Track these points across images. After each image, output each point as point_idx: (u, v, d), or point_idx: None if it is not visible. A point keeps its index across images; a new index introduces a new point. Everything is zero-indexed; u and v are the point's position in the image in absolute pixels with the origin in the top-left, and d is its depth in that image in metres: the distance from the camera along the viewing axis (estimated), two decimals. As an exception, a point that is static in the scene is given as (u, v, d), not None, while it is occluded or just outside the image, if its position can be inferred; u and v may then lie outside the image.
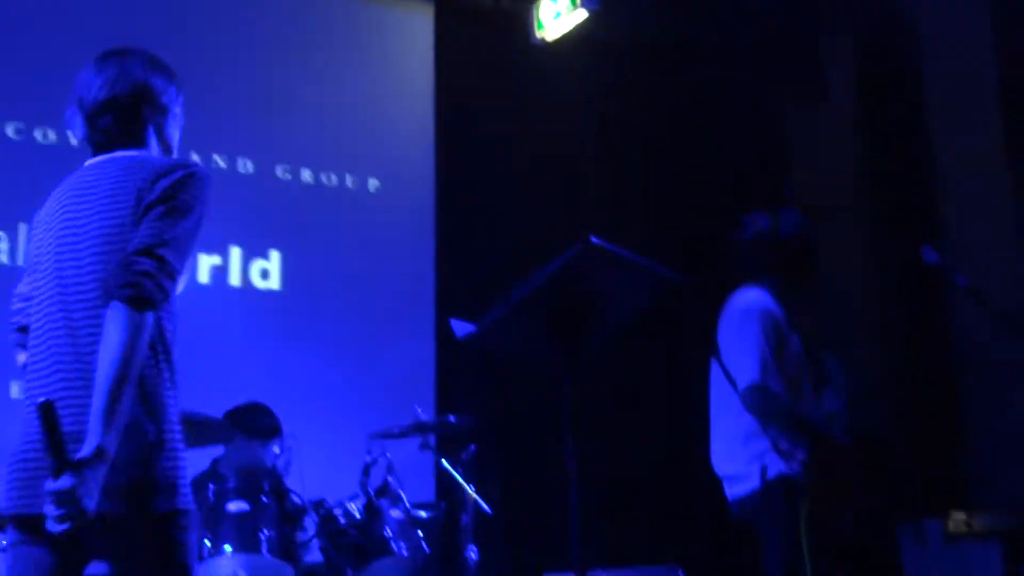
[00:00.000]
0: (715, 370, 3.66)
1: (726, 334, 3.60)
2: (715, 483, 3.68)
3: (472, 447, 4.85)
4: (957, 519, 4.98)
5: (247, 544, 3.97)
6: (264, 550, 3.97)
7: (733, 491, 3.54)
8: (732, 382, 3.52)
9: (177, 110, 2.60)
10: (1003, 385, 5.83)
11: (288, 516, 4.18)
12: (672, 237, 6.45)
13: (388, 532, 4.29)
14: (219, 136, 5.69)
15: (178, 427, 2.30)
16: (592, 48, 6.51)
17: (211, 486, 4.08)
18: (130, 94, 2.47)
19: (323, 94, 5.98)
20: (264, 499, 4.07)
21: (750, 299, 3.61)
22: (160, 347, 2.30)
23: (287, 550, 4.12)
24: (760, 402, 3.42)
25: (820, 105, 6.98)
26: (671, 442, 6.22)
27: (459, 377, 6.10)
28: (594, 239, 2.66)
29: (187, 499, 2.27)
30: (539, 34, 6.26)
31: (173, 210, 2.30)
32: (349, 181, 6.06)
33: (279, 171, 5.90)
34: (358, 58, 6.14)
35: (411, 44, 6.34)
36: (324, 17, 6.11)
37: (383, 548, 4.22)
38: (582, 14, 6.08)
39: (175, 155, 2.58)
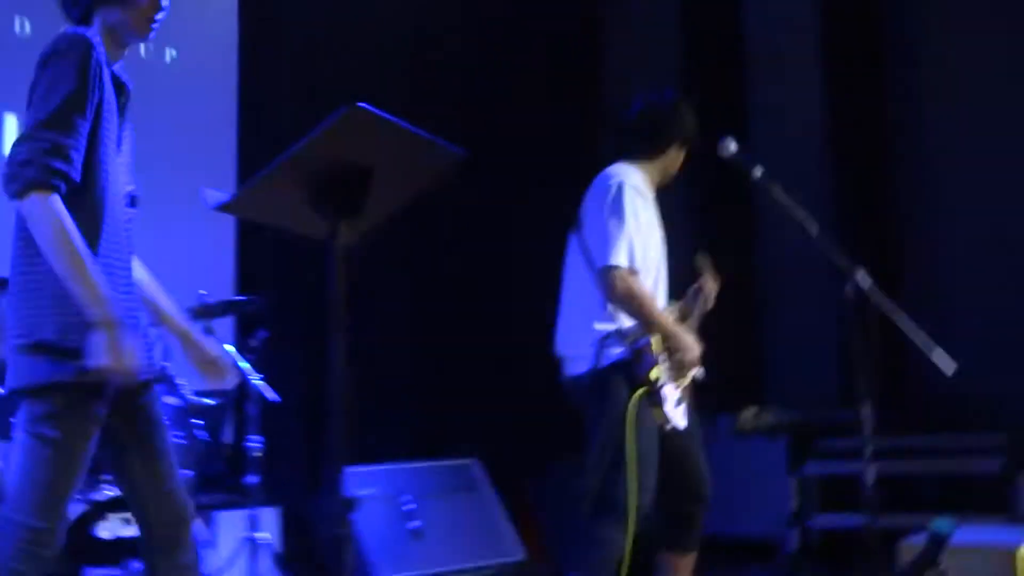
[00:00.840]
0: (573, 246, 3.53)
1: (591, 208, 3.46)
2: (520, 374, 3.63)
3: (262, 332, 4.64)
4: (746, 415, 5.08)
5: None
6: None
7: (568, 370, 3.48)
8: (589, 260, 3.40)
9: None
10: (797, 288, 5.97)
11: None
12: (482, 110, 6.29)
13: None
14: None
15: None
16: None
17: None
18: None
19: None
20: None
21: (619, 172, 3.49)
22: None
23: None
24: (616, 284, 3.31)
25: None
26: (469, 331, 6.13)
27: (261, 261, 5.84)
28: (362, 104, 2.47)
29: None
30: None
31: (45, 89, 2.36)
32: (143, 51, 5.63)
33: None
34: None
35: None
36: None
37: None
38: None
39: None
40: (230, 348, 4.39)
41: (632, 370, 3.35)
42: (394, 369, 5.79)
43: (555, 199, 4.01)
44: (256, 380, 4.38)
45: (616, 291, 3.33)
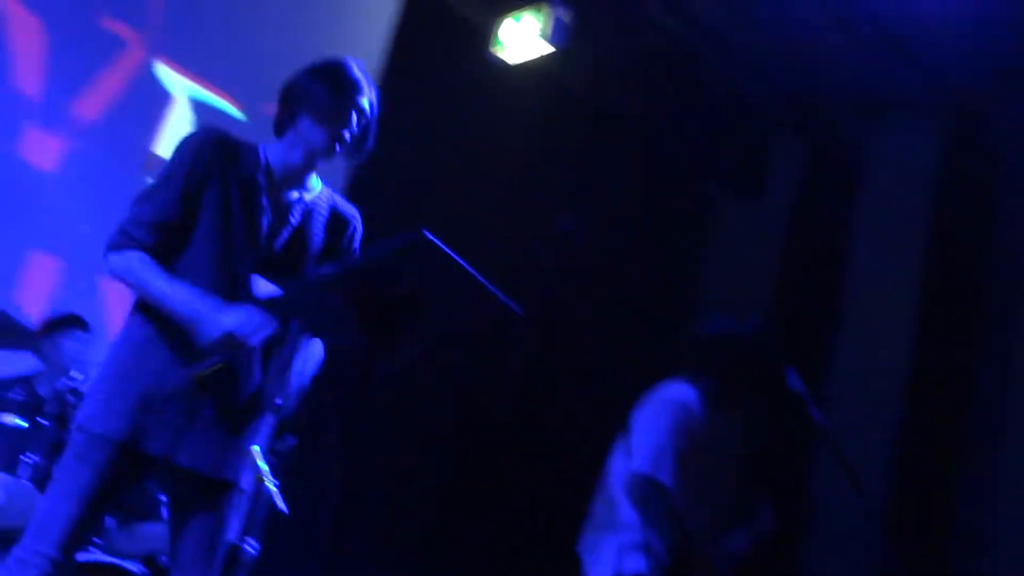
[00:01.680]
0: (619, 449, 3.49)
1: (638, 417, 3.44)
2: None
3: (291, 439, 4.58)
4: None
5: (7, 463, 3.65)
6: (23, 473, 3.65)
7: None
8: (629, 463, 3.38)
9: None
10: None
11: (61, 449, 3.86)
12: (581, 291, 6.31)
13: (164, 496, 3.99)
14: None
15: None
16: (546, 80, 6.35)
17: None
18: None
19: (272, 41, 5.71)
20: (42, 421, 3.75)
21: (672, 391, 3.48)
22: None
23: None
24: (643, 493, 3.25)
25: (753, 202, 6.94)
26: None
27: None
28: (427, 232, 2.45)
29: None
30: (497, 51, 6.08)
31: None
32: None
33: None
34: (306, 23, 5.87)
35: (368, 25, 6.13)
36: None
37: (152, 511, 3.92)
38: (546, 47, 5.93)
39: None
40: (256, 448, 4.31)
41: None
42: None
43: (622, 394, 3.93)
44: (271, 485, 4.28)
45: (639, 500, 3.26)
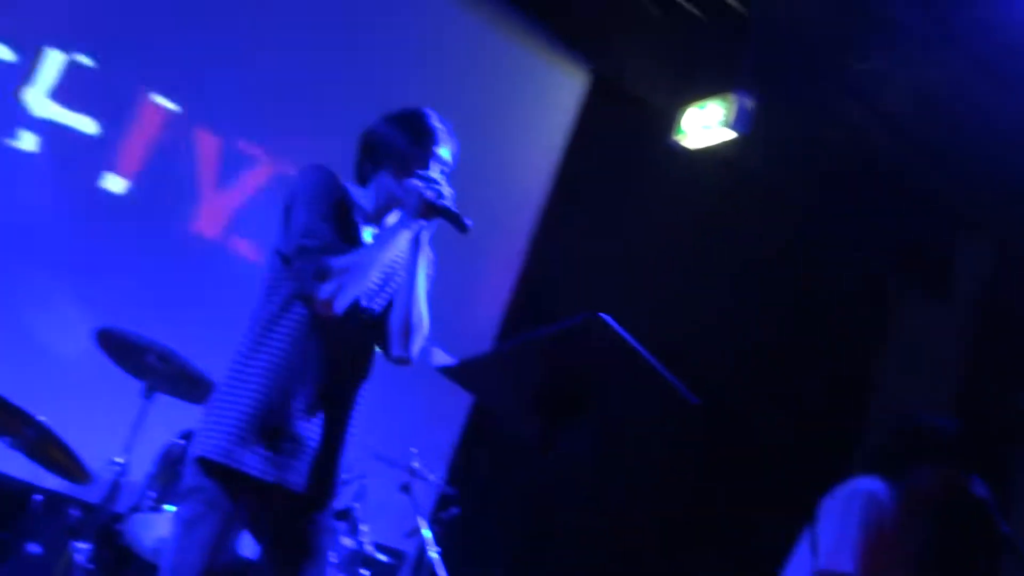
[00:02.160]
0: (804, 541, 3.42)
1: (826, 509, 3.38)
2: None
3: (455, 509, 4.64)
4: None
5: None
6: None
7: None
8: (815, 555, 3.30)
9: None
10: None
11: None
12: (747, 379, 6.19)
13: (333, 558, 4.08)
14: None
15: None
16: (727, 167, 6.34)
17: (180, 441, 3.95)
18: None
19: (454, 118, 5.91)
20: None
21: (863, 483, 3.40)
22: None
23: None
24: None
25: (937, 302, 6.68)
26: None
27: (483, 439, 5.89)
28: (603, 315, 2.47)
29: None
30: (678, 138, 6.13)
31: None
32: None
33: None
34: (497, 96, 6.07)
35: (554, 105, 6.29)
36: (478, 45, 6.06)
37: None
38: (729, 134, 5.94)
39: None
40: (420, 519, 4.39)
41: None
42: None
43: (798, 496, 3.83)
44: (433, 553, 4.34)
45: None
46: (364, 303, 2.67)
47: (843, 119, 6.31)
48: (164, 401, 4.05)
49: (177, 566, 2.49)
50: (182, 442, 3.92)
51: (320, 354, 2.60)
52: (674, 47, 6.19)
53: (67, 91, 4.98)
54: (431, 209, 2.63)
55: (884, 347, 6.98)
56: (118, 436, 3.91)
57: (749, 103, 5.94)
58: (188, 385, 4.02)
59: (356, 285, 2.57)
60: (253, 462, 2.50)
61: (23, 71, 4.89)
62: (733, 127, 5.93)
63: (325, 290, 2.52)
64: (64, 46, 4.98)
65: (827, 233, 6.71)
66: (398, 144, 2.75)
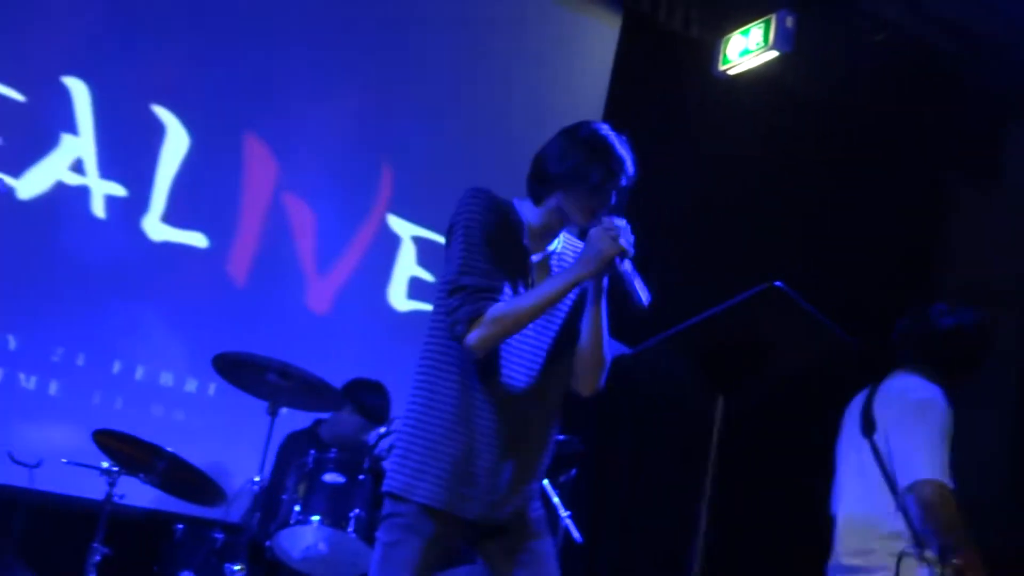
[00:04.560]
0: (862, 450, 3.41)
1: (900, 419, 3.35)
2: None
3: (573, 471, 4.67)
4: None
5: (336, 519, 3.86)
6: (351, 528, 3.85)
7: None
8: (884, 469, 3.30)
9: None
10: None
11: (381, 499, 4.05)
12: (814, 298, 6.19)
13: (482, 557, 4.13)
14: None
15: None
16: (773, 88, 6.27)
17: (312, 452, 3.98)
18: None
19: (490, 85, 5.86)
20: (361, 476, 3.95)
21: (931, 392, 3.38)
22: None
23: (373, 533, 3.99)
24: (936, 499, 3.17)
25: (992, 184, 6.64)
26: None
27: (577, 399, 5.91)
28: (779, 284, 2.48)
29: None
30: (723, 67, 6.06)
31: None
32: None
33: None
34: (534, 55, 6.00)
35: (591, 53, 6.21)
36: (510, 7, 5.98)
37: (466, 554, 4.06)
38: (772, 54, 5.88)
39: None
40: (545, 481, 4.42)
41: None
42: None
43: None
44: (564, 516, 4.38)
45: (935, 506, 3.16)
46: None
47: (882, 21, 6.23)
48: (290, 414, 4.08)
49: None
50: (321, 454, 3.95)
51: (495, 385, 2.62)
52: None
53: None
54: (611, 267, 2.55)
55: (947, 240, 6.96)
56: (251, 457, 3.94)
57: (790, 20, 5.88)
58: (312, 395, 4.04)
59: (509, 333, 2.57)
60: (435, 495, 2.57)
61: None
62: (776, 46, 5.88)
63: (473, 336, 2.52)
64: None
65: (878, 138, 6.66)
66: (581, 172, 2.64)
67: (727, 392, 2.61)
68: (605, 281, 2.66)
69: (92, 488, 4.04)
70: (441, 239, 5.49)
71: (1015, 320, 6.28)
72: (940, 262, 6.98)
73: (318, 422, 4.71)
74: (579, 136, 2.69)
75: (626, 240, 2.55)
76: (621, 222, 2.59)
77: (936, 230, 7.03)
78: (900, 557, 3.19)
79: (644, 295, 2.53)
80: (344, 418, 4.55)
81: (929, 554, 3.21)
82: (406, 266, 5.75)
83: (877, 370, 3.59)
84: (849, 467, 3.49)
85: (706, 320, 2.50)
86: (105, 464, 4.00)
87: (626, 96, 6.15)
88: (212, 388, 5.03)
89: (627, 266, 2.55)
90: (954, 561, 3.15)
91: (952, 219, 7.04)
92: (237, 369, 3.99)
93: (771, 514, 5.95)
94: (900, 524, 3.25)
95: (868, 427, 3.42)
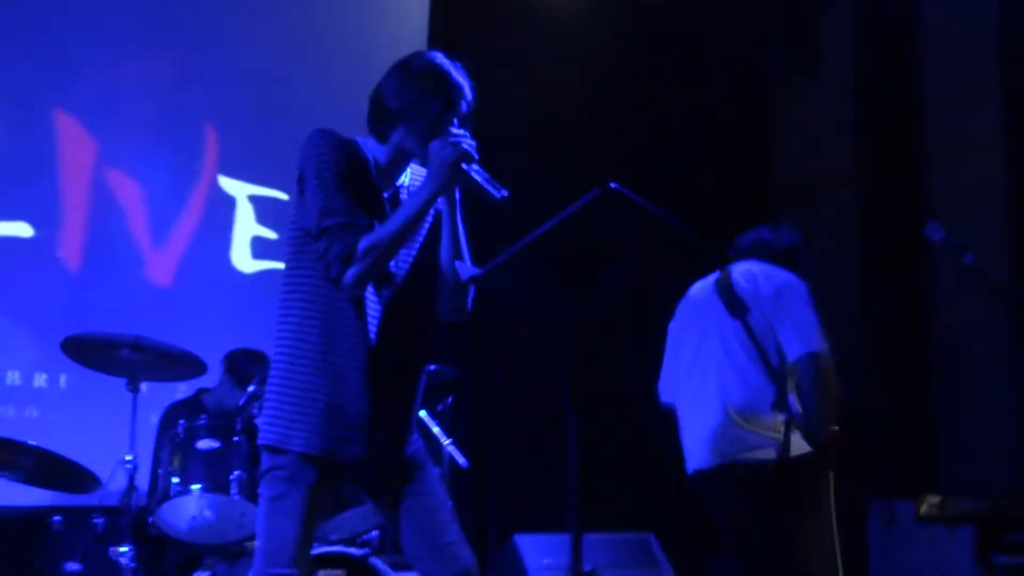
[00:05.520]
0: (728, 332, 3.55)
1: (781, 301, 3.50)
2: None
3: (449, 399, 4.75)
4: (931, 502, 4.97)
5: (216, 484, 3.84)
6: (234, 491, 3.84)
7: (736, 456, 3.45)
8: (758, 345, 3.46)
9: None
10: (977, 372, 5.85)
11: (259, 457, 4.05)
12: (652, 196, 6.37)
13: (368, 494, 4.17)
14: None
15: None
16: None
17: (181, 422, 3.94)
18: None
19: (307, 26, 5.78)
20: (235, 438, 3.93)
21: (795, 278, 3.59)
22: None
23: (256, 491, 3.99)
24: (826, 371, 3.38)
25: (815, 73, 6.90)
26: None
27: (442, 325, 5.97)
28: (614, 185, 2.58)
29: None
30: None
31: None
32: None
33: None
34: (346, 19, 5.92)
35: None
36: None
37: (353, 498, 4.11)
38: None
39: None
40: (423, 412, 4.49)
41: (826, 458, 3.40)
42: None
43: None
44: (446, 444, 4.47)
45: (819, 377, 3.38)
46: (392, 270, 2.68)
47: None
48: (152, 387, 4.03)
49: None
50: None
51: (357, 324, 2.63)
52: None
53: None
54: (459, 173, 2.56)
55: (779, 134, 7.21)
56: (120, 438, 3.87)
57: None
58: (169, 365, 3.99)
59: (383, 262, 2.57)
60: (311, 442, 2.59)
61: None
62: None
63: (351, 273, 2.52)
64: None
65: (698, 40, 6.79)
66: (419, 105, 2.62)
67: (580, 297, 2.71)
68: (457, 194, 2.69)
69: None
70: (278, 194, 5.46)
71: (850, 198, 6.59)
72: (772, 149, 7.22)
73: (201, 391, 4.67)
74: (414, 69, 2.66)
75: (468, 145, 2.57)
76: (459, 131, 2.60)
77: (766, 119, 7.25)
78: (787, 427, 3.38)
79: (498, 191, 2.55)
80: (224, 387, 4.51)
81: (809, 422, 3.40)
82: (246, 226, 5.66)
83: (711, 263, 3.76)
84: (708, 350, 3.60)
85: (549, 229, 2.58)
86: (-32, 468, 3.87)
87: (447, 24, 6.12)
88: (63, 380, 4.90)
89: (474, 168, 2.57)
90: (834, 428, 3.39)
91: (781, 108, 7.25)
92: (88, 351, 3.90)
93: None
94: (777, 398, 3.43)
95: (737, 308, 3.55)
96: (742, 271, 3.63)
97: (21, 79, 4.97)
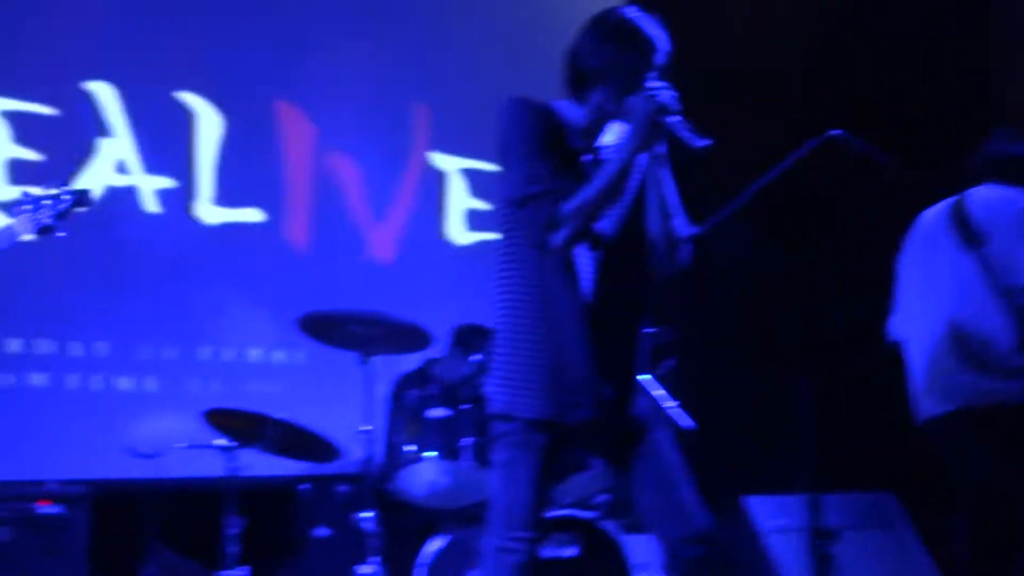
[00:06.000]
0: (961, 263, 3.34)
1: (1019, 225, 3.29)
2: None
3: (672, 361, 4.71)
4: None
5: (449, 451, 3.98)
6: (465, 457, 3.97)
7: (991, 398, 3.26)
8: (997, 281, 3.25)
9: None
10: None
11: (486, 424, 4.15)
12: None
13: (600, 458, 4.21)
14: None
15: None
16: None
17: (413, 392, 4.09)
18: None
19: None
20: (464, 406, 4.06)
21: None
22: None
23: (487, 457, 4.10)
24: None
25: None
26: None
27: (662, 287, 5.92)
28: (836, 132, 2.49)
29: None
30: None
31: None
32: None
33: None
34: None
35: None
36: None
37: (582, 461, 4.17)
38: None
39: None
40: (646, 376, 4.48)
41: None
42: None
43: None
44: (671, 407, 4.44)
45: None
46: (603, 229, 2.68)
47: None
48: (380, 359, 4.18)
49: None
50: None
51: (573, 287, 2.65)
52: None
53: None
54: (659, 127, 2.54)
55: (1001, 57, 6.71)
56: (355, 408, 4.05)
57: None
58: (399, 339, 4.14)
59: (588, 224, 2.59)
60: (538, 408, 2.62)
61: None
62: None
63: (558, 237, 2.56)
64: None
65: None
66: (612, 60, 2.62)
67: (802, 248, 2.64)
68: (664, 148, 2.65)
69: (214, 467, 4.19)
70: (488, 166, 5.54)
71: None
72: (997, 79, 6.73)
73: (430, 361, 4.83)
74: (606, 26, 2.67)
75: (666, 96, 2.55)
76: (658, 83, 2.58)
77: (987, 48, 6.76)
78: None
79: (699, 141, 2.50)
80: (452, 358, 4.66)
81: None
82: (459, 199, 5.81)
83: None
84: (939, 286, 3.41)
85: (769, 183, 2.52)
86: (222, 442, 4.15)
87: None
88: (301, 356, 5.17)
89: (674, 119, 2.53)
90: None
91: (1005, 36, 6.75)
92: (324, 327, 4.09)
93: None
94: (1017, 338, 3.22)
95: (973, 239, 3.35)
96: (978, 197, 3.40)
97: (244, 73, 5.24)
